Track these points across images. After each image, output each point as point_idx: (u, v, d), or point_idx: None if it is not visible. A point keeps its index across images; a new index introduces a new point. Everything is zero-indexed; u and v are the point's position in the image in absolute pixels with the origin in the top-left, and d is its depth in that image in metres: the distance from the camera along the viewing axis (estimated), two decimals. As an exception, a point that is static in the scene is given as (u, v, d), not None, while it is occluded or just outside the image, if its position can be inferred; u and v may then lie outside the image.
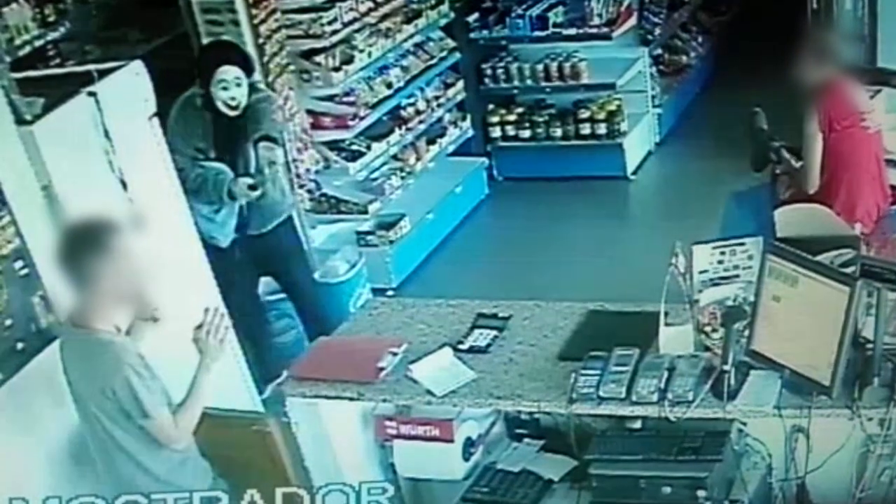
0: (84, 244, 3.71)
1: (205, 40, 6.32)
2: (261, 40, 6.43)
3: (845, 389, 3.53)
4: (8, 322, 4.11)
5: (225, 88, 5.45)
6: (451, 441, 4.13)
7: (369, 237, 7.15)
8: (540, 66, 8.32)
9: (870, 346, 3.57)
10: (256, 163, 5.58)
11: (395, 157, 7.54)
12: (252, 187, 5.51)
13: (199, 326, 3.91)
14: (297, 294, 6.08)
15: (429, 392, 4.01)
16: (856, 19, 6.55)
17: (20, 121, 4.33)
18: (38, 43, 5.97)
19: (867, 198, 5.44)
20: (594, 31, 8.31)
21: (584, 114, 8.26)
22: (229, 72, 5.46)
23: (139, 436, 3.83)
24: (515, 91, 8.50)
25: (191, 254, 5.14)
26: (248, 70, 5.60)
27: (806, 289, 3.59)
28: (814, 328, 3.56)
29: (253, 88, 5.61)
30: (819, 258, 3.80)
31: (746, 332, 3.73)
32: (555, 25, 8.38)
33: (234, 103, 5.47)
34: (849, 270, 3.67)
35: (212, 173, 5.50)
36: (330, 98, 7.05)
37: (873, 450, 3.72)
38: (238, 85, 5.47)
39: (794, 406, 3.58)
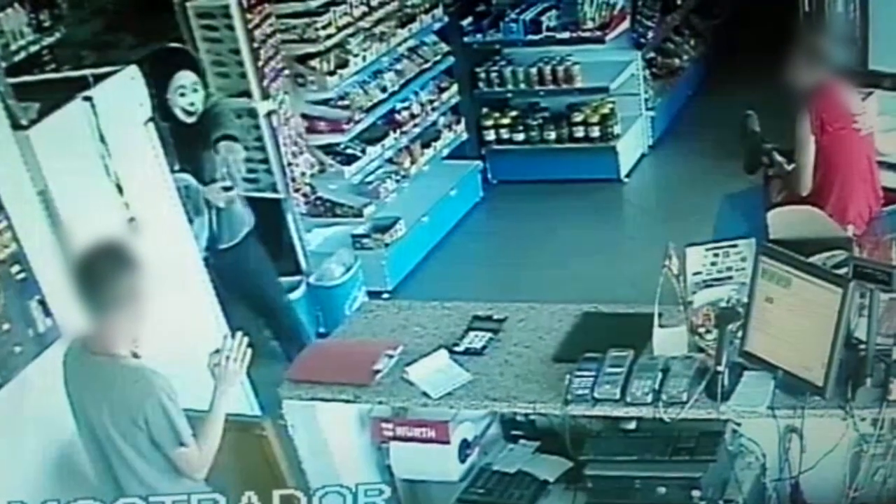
0: (107, 266, 3.64)
1: (200, 45, 6.33)
2: (255, 45, 6.43)
3: (838, 390, 3.54)
4: (5, 326, 4.10)
5: (183, 94, 5.39)
6: (448, 443, 4.14)
7: (365, 240, 7.15)
8: (533, 70, 8.34)
9: (862, 346, 3.58)
10: (219, 166, 5.53)
11: (389, 161, 7.54)
12: (226, 188, 5.46)
13: (217, 352, 3.83)
14: (270, 309, 6.00)
15: (425, 394, 4.02)
16: (847, 22, 6.56)
17: (16, 126, 4.32)
18: (33, 48, 5.99)
19: (859, 200, 5.45)
20: (587, 34, 8.33)
21: (578, 117, 8.27)
22: (187, 77, 5.41)
23: (161, 467, 3.76)
24: (509, 95, 8.51)
25: (188, 257, 5.14)
26: (201, 75, 5.56)
27: (799, 290, 3.60)
28: (807, 329, 3.57)
29: (206, 94, 5.56)
30: (811, 259, 3.81)
31: (740, 334, 3.74)
32: (548, 29, 8.39)
33: (192, 109, 5.42)
34: (841, 272, 3.68)
35: (181, 188, 5.39)
36: (325, 102, 7.05)
37: (866, 449, 3.73)
38: (195, 90, 5.43)
39: (787, 406, 3.59)
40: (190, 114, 5.42)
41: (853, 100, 5.51)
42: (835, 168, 5.40)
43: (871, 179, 5.53)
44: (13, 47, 5.91)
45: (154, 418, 3.67)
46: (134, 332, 3.76)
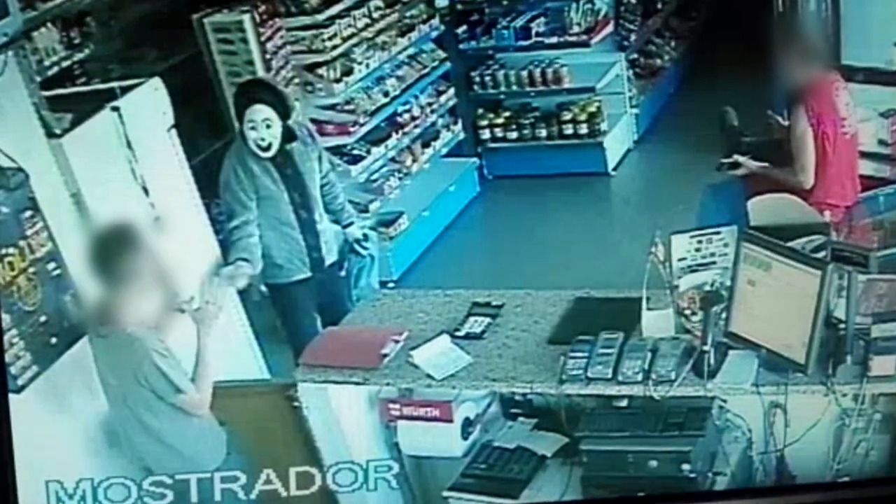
0: (114, 246, 3.88)
1: (217, 57, 6.31)
2: (268, 56, 6.42)
3: (820, 367, 3.53)
4: (42, 319, 4.13)
5: (254, 129, 5.06)
6: (451, 421, 4.13)
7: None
8: (524, 73, 8.29)
9: (842, 325, 3.56)
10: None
11: (393, 160, 7.52)
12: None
13: (192, 298, 4.00)
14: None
15: (429, 376, 4.03)
16: (820, 20, 6.49)
17: (50, 134, 4.37)
18: (65, 63, 5.96)
19: (839, 198, 5.35)
20: (574, 38, 8.29)
21: (567, 115, 8.23)
22: (259, 111, 5.09)
23: (167, 415, 3.91)
24: (502, 96, 8.45)
25: (207, 252, 5.10)
26: (283, 111, 5.17)
27: (779, 273, 3.57)
28: (788, 310, 3.54)
29: (289, 132, 5.18)
30: (791, 244, 3.75)
31: (724, 315, 3.73)
32: (537, 35, 8.35)
33: (263, 144, 5.08)
34: (820, 255, 3.62)
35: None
36: (332, 107, 7.04)
37: (848, 423, 3.70)
38: (268, 126, 5.08)
39: (771, 383, 3.59)
40: (262, 148, 5.08)
41: (844, 101, 5.38)
42: (821, 170, 5.29)
43: (851, 176, 5.42)
44: (46, 63, 5.89)
45: (151, 376, 3.87)
46: (142, 309, 3.90)
